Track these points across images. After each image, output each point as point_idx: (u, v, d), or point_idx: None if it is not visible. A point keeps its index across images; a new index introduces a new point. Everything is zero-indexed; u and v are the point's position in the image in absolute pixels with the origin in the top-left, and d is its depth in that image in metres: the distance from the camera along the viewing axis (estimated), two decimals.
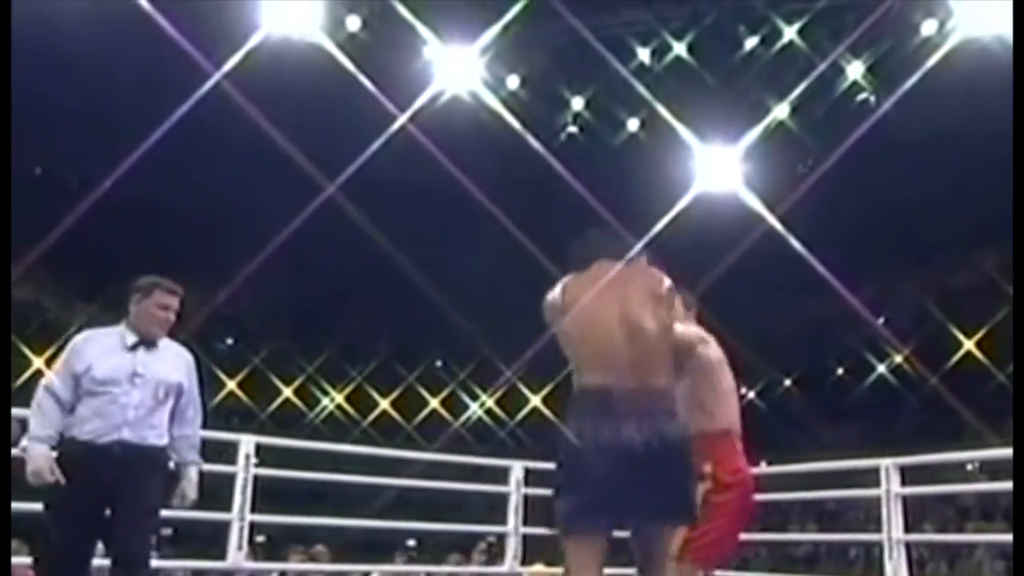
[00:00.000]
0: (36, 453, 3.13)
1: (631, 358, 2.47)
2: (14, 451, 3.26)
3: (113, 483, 3.16)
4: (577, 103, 14.06)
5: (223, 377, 15.54)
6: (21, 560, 4.14)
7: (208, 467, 4.95)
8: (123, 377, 3.26)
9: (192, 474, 3.47)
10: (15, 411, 3.83)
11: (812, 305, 14.56)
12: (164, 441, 3.37)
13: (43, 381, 3.28)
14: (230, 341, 16.61)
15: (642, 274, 2.64)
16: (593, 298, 2.55)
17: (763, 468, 7.39)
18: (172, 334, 3.52)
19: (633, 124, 13.91)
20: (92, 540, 3.26)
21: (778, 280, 13.40)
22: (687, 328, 3.15)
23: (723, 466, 3.06)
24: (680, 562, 2.95)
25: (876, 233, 13.32)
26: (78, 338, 3.38)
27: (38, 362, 14.42)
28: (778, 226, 11.60)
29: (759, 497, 6.19)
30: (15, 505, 3.64)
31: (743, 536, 3.43)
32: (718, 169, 12.06)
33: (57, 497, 3.14)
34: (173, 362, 3.44)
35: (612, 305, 2.53)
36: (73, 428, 3.20)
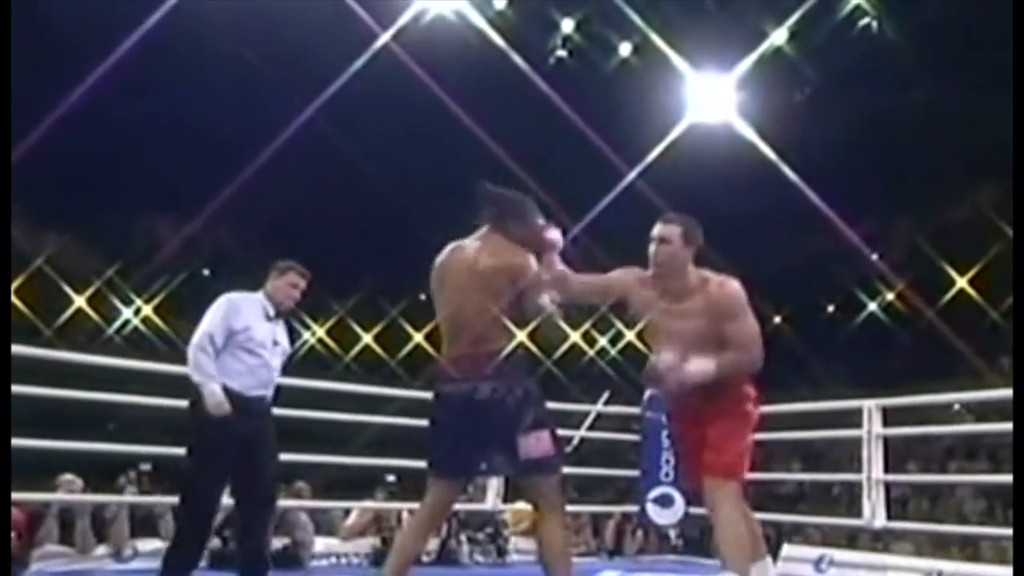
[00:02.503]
0: (218, 391, 3.68)
1: (459, 329, 2.87)
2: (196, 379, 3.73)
3: (252, 433, 3.77)
4: (567, 25, 13.85)
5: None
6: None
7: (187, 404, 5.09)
8: (269, 343, 3.89)
9: None
10: None
11: (803, 240, 14.63)
12: None
13: (205, 329, 3.81)
14: (207, 272, 16.59)
15: (495, 248, 2.92)
16: (446, 266, 2.97)
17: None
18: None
19: (625, 49, 13.74)
20: (226, 480, 3.87)
21: (769, 214, 13.41)
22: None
23: (752, 387, 3.22)
24: (740, 481, 3.11)
25: (869, 167, 13.32)
26: (233, 298, 3.94)
27: None
28: (773, 157, 11.61)
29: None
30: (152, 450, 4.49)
31: None
32: (711, 98, 11.99)
33: (206, 440, 3.71)
34: (287, 336, 4.09)
35: (456, 279, 2.92)
36: (223, 377, 3.75)
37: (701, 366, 2.98)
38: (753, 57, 11.68)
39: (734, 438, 3.08)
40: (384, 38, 10.71)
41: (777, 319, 16.21)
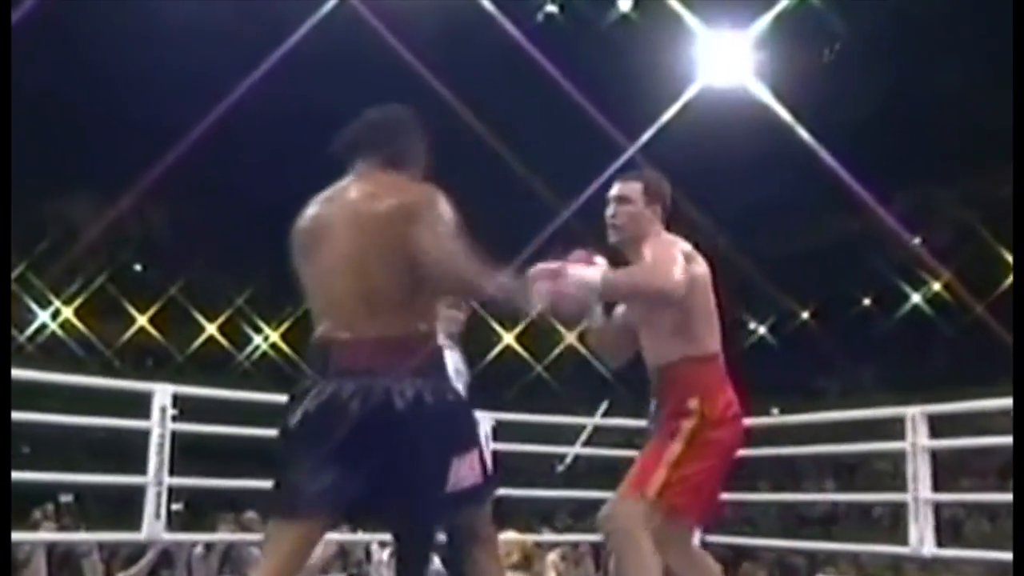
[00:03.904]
0: None
1: (354, 301, 2.36)
2: None
3: None
4: None
5: (132, 311, 15.49)
6: None
7: (118, 422, 5.03)
8: (453, 373, 4.11)
9: None
10: None
11: (834, 222, 14.65)
12: None
13: None
14: (139, 267, 16.49)
15: (386, 186, 2.46)
16: (320, 223, 2.47)
17: (774, 418, 7.59)
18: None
19: (625, 3, 13.74)
20: None
21: (792, 191, 13.42)
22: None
23: (713, 400, 2.96)
24: (650, 503, 2.84)
25: (908, 135, 13.34)
26: None
27: None
28: (795, 125, 11.61)
29: (769, 452, 6.38)
30: None
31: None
32: (725, 58, 11.99)
33: None
34: (465, 363, 4.34)
35: (338, 232, 2.42)
36: None
37: (583, 271, 2.84)
38: (773, 12, 11.66)
39: (649, 455, 2.95)
40: None
41: (805, 315, 16.27)
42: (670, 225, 3.05)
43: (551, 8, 14.09)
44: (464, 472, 2.39)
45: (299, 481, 2.32)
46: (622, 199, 3.02)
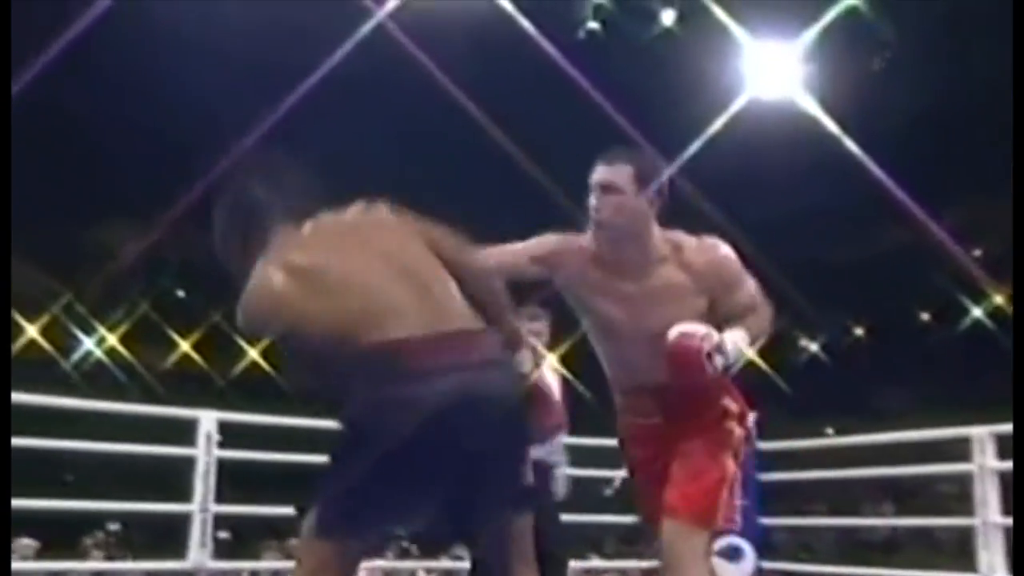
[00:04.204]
0: None
1: (422, 299, 2.19)
2: None
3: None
4: None
5: (175, 336, 15.66)
6: None
7: (163, 449, 5.07)
8: None
9: None
10: None
11: (889, 235, 14.47)
12: None
13: None
14: (181, 293, 16.68)
15: (381, 220, 2.36)
16: (337, 251, 2.28)
17: (830, 439, 7.49)
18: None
19: (669, 17, 13.73)
20: None
21: (843, 205, 13.28)
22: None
23: (737, 399, 2.67)
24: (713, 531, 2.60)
25: (964, 144, 13.17)
26: None
27: None
28: (846, 138, 11.51)
29: (827, 475, 6.28)
30: None
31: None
32: (772, 71, 11.92)
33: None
34: None
35: (367, 251, 2.26)
36: None
37: (736, 338, 2.48)
38: (823, 21, 11.58)
39: (706, 469, 2.57)
40: (381, 15, 10.68)
41: (859, 331, 16.05)
42: (661, 218, 2.62)
43: (592, 25, 14.11)
44: (529, 470, 2.23)
45: (346, 497, 2.13)
46: (608, 188, 2.54)
